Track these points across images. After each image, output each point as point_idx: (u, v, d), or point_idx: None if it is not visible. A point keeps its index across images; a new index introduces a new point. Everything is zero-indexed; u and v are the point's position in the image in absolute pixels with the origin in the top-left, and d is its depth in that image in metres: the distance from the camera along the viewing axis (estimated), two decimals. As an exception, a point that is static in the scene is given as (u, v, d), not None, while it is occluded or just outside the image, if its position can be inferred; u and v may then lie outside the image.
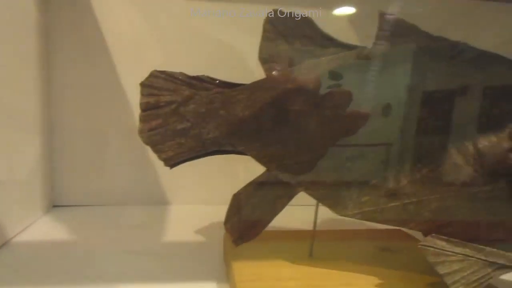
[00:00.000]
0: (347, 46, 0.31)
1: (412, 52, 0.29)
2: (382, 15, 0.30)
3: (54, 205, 0.51)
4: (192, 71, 0.34)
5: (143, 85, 0.34)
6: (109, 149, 0.52)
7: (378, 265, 0.31)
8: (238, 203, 0.33)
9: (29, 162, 0.45)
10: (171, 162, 0.34)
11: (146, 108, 0.34)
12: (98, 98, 0.50)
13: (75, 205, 0.51)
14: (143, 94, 0.34)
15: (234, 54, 0.50)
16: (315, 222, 0.33)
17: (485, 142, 0.26)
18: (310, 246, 0.33)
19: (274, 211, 0.33)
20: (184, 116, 0.33)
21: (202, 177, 0.52)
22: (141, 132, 0.34)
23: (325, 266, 0.31)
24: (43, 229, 0.43)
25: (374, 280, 0.29)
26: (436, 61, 0.28)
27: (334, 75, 0.30)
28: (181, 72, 0.34)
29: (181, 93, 0.33)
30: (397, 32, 0.30)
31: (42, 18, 0.46)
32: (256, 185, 0.33)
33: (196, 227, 0.45)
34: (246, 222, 0.33)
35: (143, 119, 0.34)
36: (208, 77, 0.34)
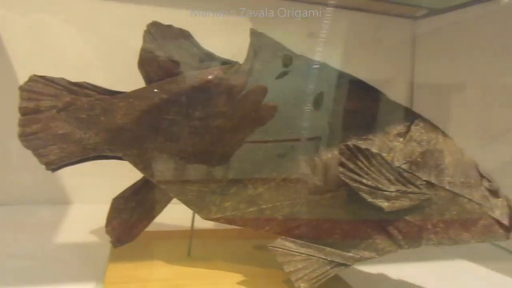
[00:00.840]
0: (221, 61, 0.33)
1: (274, 69, 0.31)
2: (253, 32, 0.33)
3: None
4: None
5: (22, 89, 0.34)
6: (10, 148, 0.51)
7: (250, 263, 0.34)
8: (117, 206, 0.34)
9: None
10: (53, 166, 0.35)
11: (25, 112, 0.34)
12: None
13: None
14: (22, 98, 0.34)
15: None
16: (192, 222, 0.35)
17: (329, 155, 0.29)
18: (188, 246, 0.35)
19: (152, 214, 0.34)
20: (65, 121, 0.34)
21: (105, 176, 0.52)
22: (21, 136, 0.34)
23: (201, 265, 0.33)
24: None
25: (240, 277, 0.32)
26: (293, 78, 0.31)
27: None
28: (62, 78, 0.34)
29: (62, 99, 0.34)
30: (265, 49, 0.32)
31: None
32: (134, 189, 0.34)
33: (93, 227, 0.45)
34: (125, 225, 0.34)
35: (22, 124, 0.34)
36: (89, 83, 0.34)
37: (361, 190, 0.27)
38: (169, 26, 0.33)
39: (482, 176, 0.30)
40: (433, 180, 0.29)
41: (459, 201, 0.29)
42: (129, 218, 0.34)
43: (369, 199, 0.27)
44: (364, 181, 0.27)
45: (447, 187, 0.29)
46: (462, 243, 0.29)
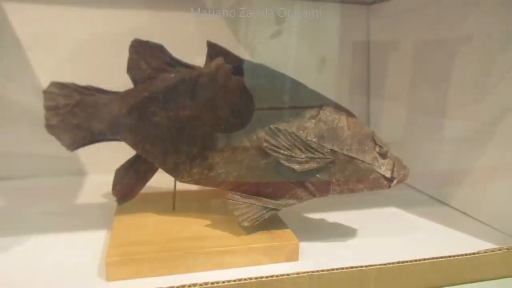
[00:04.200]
0: (188, 66, 0.45)
1: (224, 72, 0.43)
2: (210, 44, 0.44)
3: (-11, 178, 0.63)
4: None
5: (45, 92, 0.46)
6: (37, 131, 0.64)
7: (216, 212, 0.47)
8: (119, 174, 0.47)
9: None
10: (71, 147, 0.47)
11: (48, 109, 0.46)
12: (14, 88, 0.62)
13: (9, 178, 0.64)
14: (45, 99, 0.46)
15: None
16: (175, 185, 0.48)
17: (262, 133, 0.41)
18: (173, 202, 0.48)
19: (145, 180, 0.47)
20: (77, 114, 0.46)
21: (113, 152, 0.65)
22: (46, 126, 0.47)
23: (182, 215, 0.46)
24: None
25: (209, 222, 0.44)
26: (240, 81, 0.42)
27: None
28: (72, 83, 0.46)
29: (74, 98, 0.46)
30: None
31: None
32: (131, 162, 0.47)
33: (104, 191, 0.58)
34: (126, 188, 0.47)
35: (46, 117, 0.46)
36: (92, 86, 0.47)
37: (280, 158, 0.39)
38: (147, 42, 0.45)
39: (375, 144, 0.42)
40: (335, 148, 0.41)
41: (355, 163, 0.41)
42: (128, 183, 0.47)
43: (286, 164, 0.40)
44: (282, 151, 0.39)
45: (345, 152, 0.41)
46: (357, 191, 0.41)
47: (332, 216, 0.52)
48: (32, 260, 0.40)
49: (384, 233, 0.48)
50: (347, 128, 0.41)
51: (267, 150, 0.39)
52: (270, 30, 0.68)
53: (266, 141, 0.39)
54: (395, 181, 0.41)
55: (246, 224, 0.41)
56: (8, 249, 0.42)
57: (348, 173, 0.41)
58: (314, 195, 0.42)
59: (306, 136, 0.40)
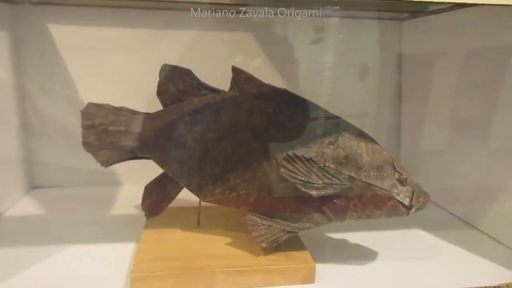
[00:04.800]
0: (214, 90, 0.47)
1: (244, 99, 0.44)
2: (234, 69, 0.46)
3: (33, 186, 0.68)
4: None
5: (82, 112, 0.50)
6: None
7: (239, 230, 0.48)
8: (148, 191, 0.50)
9: (9, 149, 0.62)
10: (105, 164, 0.51)
11: (85, 127, 0.50)
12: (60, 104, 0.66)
13: (52, 186, 0.69)
14: (83, 118, 0.50)
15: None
16: (200, 203, 0.50)
17: (281, 157, 0.42)
18: (197, 218, 0.51)
19: (171, 196, 0.50)
20: (111, 133, 0.50)
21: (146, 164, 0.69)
22: (83, 144, 0.50)
23: (206, 232, 0.49)
24: (24, 206, 0.61)
25: (231, 239, 0.46)
26: (263, 105, 0.44)
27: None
28: (107, 104, 0.50)
29: (108, 118, 0.50)
30: (245, 83, 0.45)
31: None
32: (159, 179, 0.50)
33: (136, 204, 0.61)
34: (154, 204, 0.50)
35: (84, 135, 0.50)
36: (126, 107, 0.50)
37: (297, 183, 0.41)
38: (176, 66, 0.48)
39: (394, 170, 0.42)
40: (353, 174, 0.41)
41: (372, 189, 0.41)
42: (156, 200, 0.50)
43: (303, 189, 0.41)
44: (299, 177, 0.40)
45: (363, 179, 0.41)
46: (375, 218, 0.42)
47: (353, 237, 0.52)
48: (58, 270, 0.44)
49: (405, 258, 0.48)
50: (366, 154, 0.42)
51: (285, 176, 0.41)
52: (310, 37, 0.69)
53: (284, 166, 0.41)
54: (413, 209, 0.41)
55: (264, 245, 0.43)
56: (36, 258, 0.46)
57: (366, 199, 0.41)
58: (331, 220, 0.42)
59: (324, 162, 0.41)
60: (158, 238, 0.47)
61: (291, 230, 0.43)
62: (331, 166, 0.41)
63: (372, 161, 0.42)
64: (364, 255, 0.48)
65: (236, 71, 0.46)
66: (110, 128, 0.49)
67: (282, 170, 0.41)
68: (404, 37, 0.73)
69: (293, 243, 0.46)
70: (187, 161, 0.46)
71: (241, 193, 0.44)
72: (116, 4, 0.65)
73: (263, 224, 0.43)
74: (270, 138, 0.43)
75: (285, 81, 0.69)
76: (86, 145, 0.50)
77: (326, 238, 0.52)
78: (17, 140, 0.64)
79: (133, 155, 0.50)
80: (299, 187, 0.41)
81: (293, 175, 0.41)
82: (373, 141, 0.43)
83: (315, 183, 0.41)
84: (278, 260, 0.43)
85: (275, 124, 0.43)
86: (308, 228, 0.43)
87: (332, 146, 0.42)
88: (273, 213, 0.43)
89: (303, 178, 0.41)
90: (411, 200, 0.41)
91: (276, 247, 0.43)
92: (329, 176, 0.41)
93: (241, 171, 0.44)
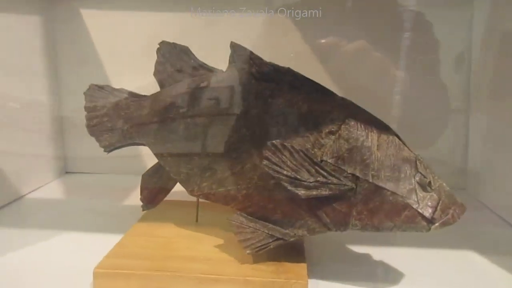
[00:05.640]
0: (211, 70, 0.41)
1: (244, 77, 0.38)
2: (233, 45, 0.40)
3: (66, 172, 0.69)
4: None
5: (85, 94, 0.47)
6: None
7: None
8: (145, 181, 0.46)
9: (45, 135, 0.63)
10: (107, 149, 0.48)
11: (88, 110, 0.48)
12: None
13: (84, 172, 0.69)
14: (85, 100, 0.48)
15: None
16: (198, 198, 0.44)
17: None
18: (196, 213, 0.45)
19: (168, 188, 0.45)
20: (111, 116, 0.46)
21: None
22: (86, 127, 0.48)
23: (201, 231, 0.43)
24: (48, 190, 0.61)
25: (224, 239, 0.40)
26: (260, 87, 0.37)
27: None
28: (107, 85, 0.47)
29: (109, 100, 0.47)
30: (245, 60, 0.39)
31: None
32: (155, 168, 0.45)
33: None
34: (150, 195, 0.45)
35: (87, 118, 0.48)
36: (125, 89, 0.46)
37: (282, 180, 0.33)
38: (174, 44, 0.43)
39: (417, 171, 0.33)
40: (357, 173, 0.33)
41: (382, 193, 0.32)
42: (152, 190, 0.45)
43: (289, 187, 0.33)
44: (285, 172, 0.33)
45: (370, 180, 0.32)
46: (385, 230, 0.33)
47: (377, 252, 0.42)
48: (37, 256, 0.42)
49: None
50: (377, 148, 0.33)
51: (267, 170, 0.33)
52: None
53: (267, 158, 0.33)
54: (437, 223, 0.31)
55: (248, 251, 0.36)
56: (26, 241, 0.44)
57: (374, 206, 0.32)
58: (328, 228, 0.34)
59: (322, 155, 0.33)
60: (145, 233, 0.43)
61: (280, 236, 0.35)
62: (329, 161, 0.33)
63: (385, 157, 0.33)
64: (385, 276, 0.39)
65: (234, 47, 0.40)
66: (110, 111, 0.46)
67: (264, 162, 0.33)
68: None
69: (293, 253, 0.38)
70: (177, 148, 0.41)
71: (229, 188, 0.38)
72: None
73: (249, 226, 0.36)
74: (263, 125, 0.36)
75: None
76: (89, 128, 0.48)
77: (342, 250, 0.43)
78: (52, 127, 0.65)
79: (131, 141, 0.46)
80: (285, 184, 0.33)
81: (277, 169, 0.33)
82: (390, 132, 0.34)
83: (304, 181, 0.33)
84: (263, 271, 0.35)
85: (271, 109, 0.36)
86: (301, 236, 0.35)
87: (332, 136, 0.34)
88: (263, 215, 0.36)
89: (289, 174, 0.33)
90: (434, 211, 0.31)
91: (270, 253, 0.36)
92: (325, 174, 0.33)
93: (230, 163, 0.38)
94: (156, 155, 0.43)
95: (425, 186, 0.32)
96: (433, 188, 0.32)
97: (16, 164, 0.57)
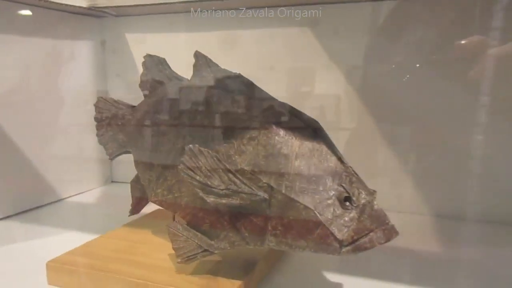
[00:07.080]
0: (180, 79, 0.42)
1: (198, 86, 0.38)
2: (196, 54, 0.40)
3: (112, 181, 0.75)
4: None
5: (95, 105, 0.52)
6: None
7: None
8: (132, 187, 0.48)
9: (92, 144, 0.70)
10: (111, 157, 0.51)
11: (96, 120, 0.52)
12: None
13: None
14: (95, 112, 0.52)
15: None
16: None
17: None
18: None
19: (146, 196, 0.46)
20: (112, 126, 0.50)
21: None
22: (96, 136, 0.52)
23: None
24: (87, 196, 0.68)
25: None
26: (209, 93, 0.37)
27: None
28: (110, 97, 0.51)
29: (110, 111, 0.50)
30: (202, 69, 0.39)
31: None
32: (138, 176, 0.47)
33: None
34: (135, 201, 0.47)
35: (96, 128, 0.52)
36: (120, 101, 0.50)
37: (195, 186, 0.31)
38: (153, 56, 0.45)
39: (339, 185, 0.28)
40: (272, 183, 0.29)
41: (295, 207, 0.28)
42: (136, 196, 0.47)
43: (200, 194, 0.31)
44: (197, 178, 0.31)
45: (284, 191, 0.29)
46: (298, 250, 0.29)
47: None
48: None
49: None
50: (295, 157, 0.29)
51: (182, 174, 0.32)
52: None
53: (183, 162, 0.32)
54: (348, 247, 0.26)
55: (179, 260, 0.35)
56: (27, 236, 0.49)
57: (287, 221, 0.29)
58: (247, 243, 0.31)
59: (241, 162, 0.31)
60: (119, 236, 0.44)
61: (206, 247, 0.33)
62: (246, 168, 0.31)
63: (304, 167, 0.29)
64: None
65: (197, 56, 0.40)
66: (112, 121, 0.50)
67: (180, 166, 0.32)
68: None
69: (237, 269, 0.36)
70: (143, 156, 0.42)
71: (176, 195, 0.37)
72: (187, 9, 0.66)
73: (183, 235, 0.35)
74: (203, 131, 0.35)
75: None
76: (98, 138, 0.52)
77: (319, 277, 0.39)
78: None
79: (126, 149, 0.49)
80: (197, 190, 0.31)
81: (191, 174, 0.32)
82: (319, 139, 0.30)
83: (214, 188, 0.31)
84: (193, 284, 0.34)
85: (211, 115, 0.35)
86: (223, 249, 0.33)
87: (253, 143, 0.31)
88: (196, 224, 0.35)
89: (201, 179, 0.31)
90: (347, 232, 0.26)
91: (212, 267, 0.35)
92: (237, 182, 0.30)
93: (176, 170, 0.37)
94: (134, 162, 0.45)
95: (343, 201, 0.27)
96: (354, 205, 0.27)
97: (63, 169, 0.64)
